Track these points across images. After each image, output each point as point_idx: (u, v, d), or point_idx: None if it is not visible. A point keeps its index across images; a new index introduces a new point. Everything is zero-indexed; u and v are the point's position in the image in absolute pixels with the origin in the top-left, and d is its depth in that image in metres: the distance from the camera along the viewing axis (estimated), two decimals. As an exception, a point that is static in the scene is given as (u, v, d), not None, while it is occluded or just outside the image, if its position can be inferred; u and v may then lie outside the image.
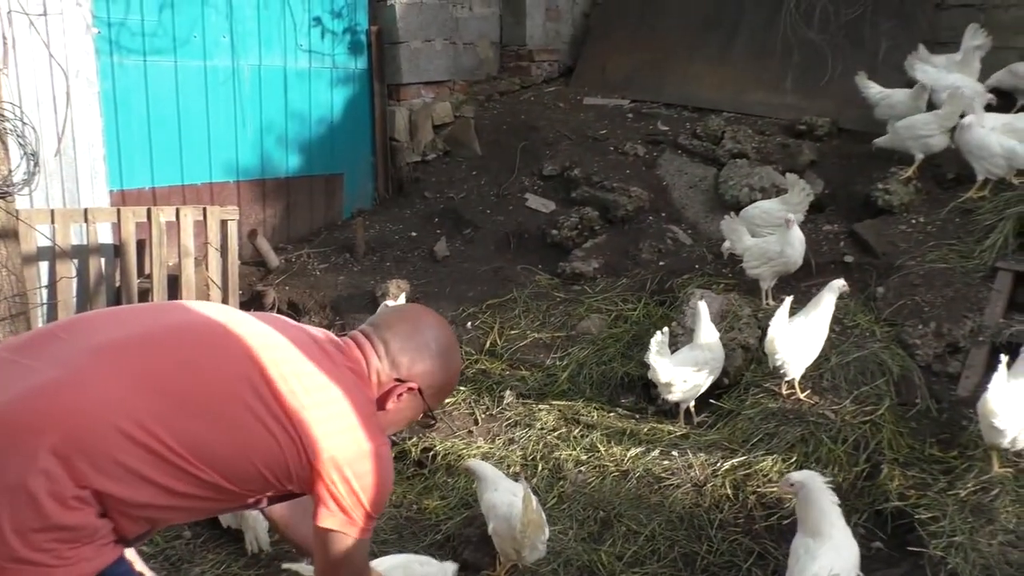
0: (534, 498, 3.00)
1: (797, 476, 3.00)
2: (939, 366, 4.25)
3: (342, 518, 1.75)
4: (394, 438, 4.26)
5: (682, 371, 4.11)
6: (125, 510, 1.54)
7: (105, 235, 5.23)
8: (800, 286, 4.91)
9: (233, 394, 1.64)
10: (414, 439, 4.26)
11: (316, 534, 1.80)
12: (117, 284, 5.26)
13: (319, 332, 1.92)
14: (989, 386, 3.22)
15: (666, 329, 4.23)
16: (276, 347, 1.74)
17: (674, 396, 4.18)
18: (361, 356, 1.89)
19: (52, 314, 4.82)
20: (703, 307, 4.25)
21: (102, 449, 1.49)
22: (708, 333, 4.21)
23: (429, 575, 2.76)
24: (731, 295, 4.86)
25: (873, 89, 5.76)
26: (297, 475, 1.72)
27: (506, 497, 3.09)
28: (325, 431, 1.71)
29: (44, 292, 4.79)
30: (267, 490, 1.75)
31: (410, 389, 1.91)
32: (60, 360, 1.58)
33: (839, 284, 4.07)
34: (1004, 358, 3.29)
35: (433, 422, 2.01)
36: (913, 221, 5.16)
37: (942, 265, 4.68)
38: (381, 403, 1.91)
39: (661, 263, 5.66)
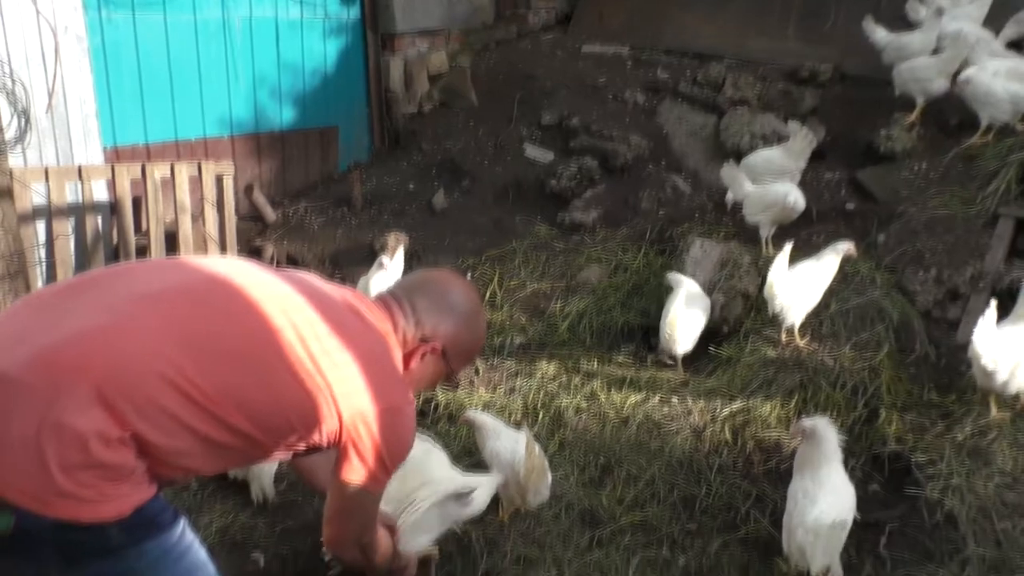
0: (536, 446, 3.03)
1: (809, 422, 3.01)
2: (939, 312, 4.26)
3: (363, 472, 1.80)
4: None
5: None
6: (161, 456, 1.56)
7: (100, 193, 5.20)
8: (800, 234, 4.90)
9: (270, 347, 1.66)
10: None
11: (335, 484, 1.85)
12: (115, 242, 5.24)
13: (347, 290, 1.94)
14: (975, 329, 3.24)
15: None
16: (308, 304, 1.76)
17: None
18: (388, 316, 1.92)
19: (51, 273, 4.82)
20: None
21: (144, 394, 1.51)
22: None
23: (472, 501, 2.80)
24: (731, 243, 4.85)
25: (880, 33, 5.67)
26: (325, 429, 1.75)
27: (508, 444, 3.12)
28: (354, 387, 1.74)
29: (42, 251, 4.78)
30: (295, 443, 1.77)
31: (433, 349, 1.94)
32: (103, 306, 1.59)
33: (844, 247, 4.00)
34: (993, 302, 3.31)
35: (458, 383, 2.05)
36: (915, 168, 5.13)
37: (944, 212, 4.66)
38: (405, 362, 1.94)
39: (661, 212, 5.63)
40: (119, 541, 1.48)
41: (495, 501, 3.27)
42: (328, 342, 1.73)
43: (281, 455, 1.84)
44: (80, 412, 1.44)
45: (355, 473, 1.81)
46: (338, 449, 1.82)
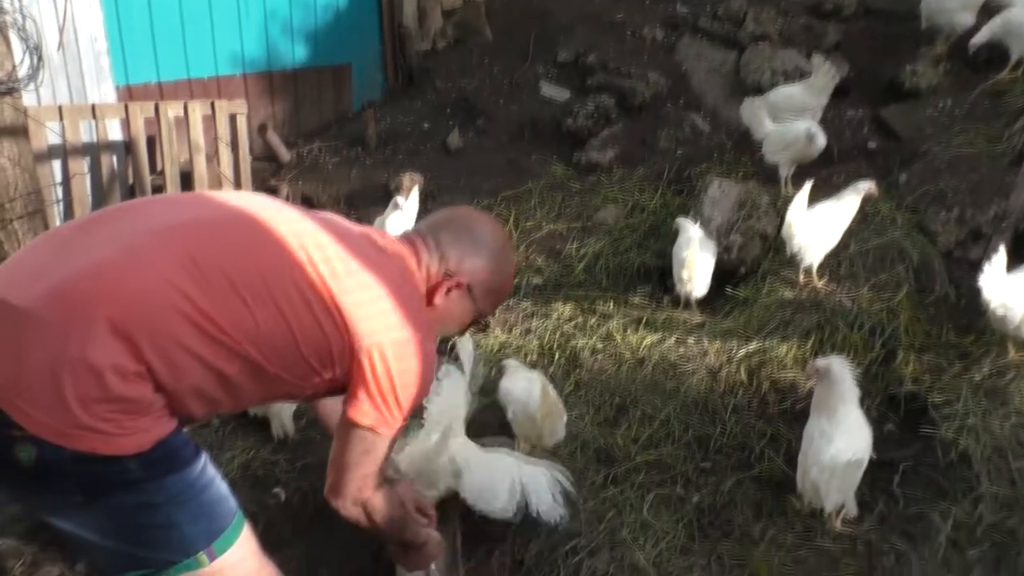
0: (551, 388, 3.05)
1: (823, 362, 3.01)
2: (960, 253, 4.21)
3: (376, 414, 1.74)
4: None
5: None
6: (177, 391, 1.56)
7: (115, 132, 5.18)
8: (820, 173, 4.82)
9: (285, 281, 1.63)
10: (432, 330, 4.31)
11: (341, 425, 1.79)
12: (130, 182, 5.24)
13: (368, 227, 1.91)
14: (983, 275, 3.21)
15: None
16: (328, 237, 1.72)
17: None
18: (412, 250, 1.87)
19: (68, 211, 4.84)
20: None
21: (159, 327, 1.51)
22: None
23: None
24: (750, 183, 4.79)
25: (907, -38, 5.49)
26: (340, 365, 1.70)
27: (522, 383, 3.14)
28: (371, 318, 1.69)
29: (58, 190, 4.78)
30: (310, 378, 1.73)
31: (458, 284, 1.88)
32: (119, 240, 1.58)
33: (865, 187, 3.91)
34: (1002, 247, 3.30)
35: (487, 326, 1.96)
36: (940, 105, 5.01)
37: (968, 150, 4.57)
38: (429, 298, 1.88)
39: (679, 152, 5.56)
40: (139, 474, 1.49)
41: (511, 441, 3.33)
42: (347, 276, 1.69)
43: (297, 393, 1.80)
44: (96, 346, 1.45)
45: (364, 415, 1.74)
46: (351, 385, 1.75)
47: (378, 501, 1.93)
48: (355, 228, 1.86)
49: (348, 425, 1.76)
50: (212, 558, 1.58)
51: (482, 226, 1.96)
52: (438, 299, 1.87)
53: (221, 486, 1.65)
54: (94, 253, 1.56)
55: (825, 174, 4.82)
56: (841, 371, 2.94)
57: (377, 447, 1.80)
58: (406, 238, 1.91)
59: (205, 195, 1.80)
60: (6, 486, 1.55)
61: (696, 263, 4.10)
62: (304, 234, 1.71)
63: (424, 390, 1.81)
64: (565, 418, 3.15)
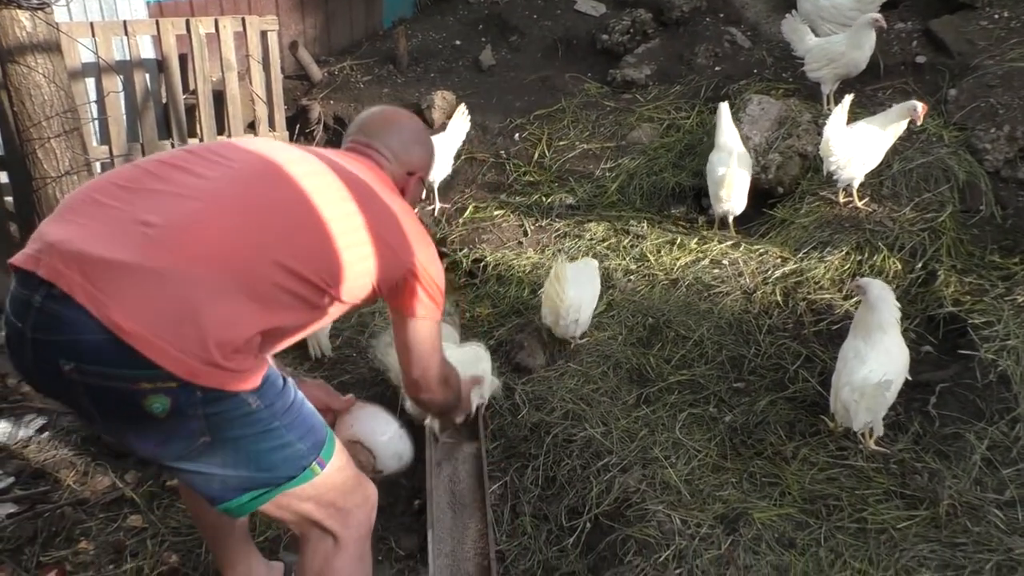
0: (566, 269, 3.26)
1: (865, 281, 2.97)
2: (1008, 172, 4.07)
3: (432, 307, 2.02)
4: (445, 250, 4.32)
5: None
6: (281, 330, 1.72)
7: (147, 50, 5.14)
8: (865, 90, 4.67)
9: (357, 224, 1.83)
10: (465, 250, 4.31)
11: (410, 326, 2.04)
12: (164, 101, 5.23)
13: (349, 159, 2.05)
14: None
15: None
16: (354, 179, 1.91)
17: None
18: (375, 165, 2.10)
19: (104, 130, 4.85)
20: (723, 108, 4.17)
21: (263, 275, 1.64)
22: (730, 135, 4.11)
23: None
24: (790, 100, 4.65)
25: None
26: (396, 283, 1.96)
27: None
28: (415, 240, 1.97)
29: (94, 108, 4.78)
30: (367, 302, 1.99)
31: (420, 179, 2.23)
32: (208, 189, 1.69)
33: (912, 107, 3.71)
34: None
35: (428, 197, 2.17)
36: (996, 16, 4.78)
37: (1023, 64, 4.37)
38: (401, 196, 2.14)
39: (717, 68, 5.39)
40: (256, 405, 1.62)
41: (541, 361, 3.36)
42: (383, 207, 1.93)
43: (347, 310, 1.98)
44: (225, 293, 1.57)
45: (426, 309, 2.01)
46: (399, 296, 1.99)
47: (451, 371, 2.30)
48: (339, 160, 1.99)
49: (415, 324, 2.03)
50: (322, 467, 1.74)
51: (408, 120, 2.27)
52: (407, 195, 2.19)
53: (307, 402, 1.80)
54: (182, 206, 1.63)
55: (870, 91, 4.67)
56: (880, 295, 2.90)
57: (437, 332, 2.11)
58: (360, 152, 2.12)
59: (241, 146, 1.89)
60: (137, 442, 1.64)
61: (734, 181, 4.01)
62: (333, 176, 1.88)
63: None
64: (571, 305, 3.27)
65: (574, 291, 3.30)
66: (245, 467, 1.66)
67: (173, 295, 1.52)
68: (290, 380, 1.76)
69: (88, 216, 1.62)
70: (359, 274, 1.84)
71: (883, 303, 2.88)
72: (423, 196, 2.37)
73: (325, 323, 1.97)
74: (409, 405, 2.84)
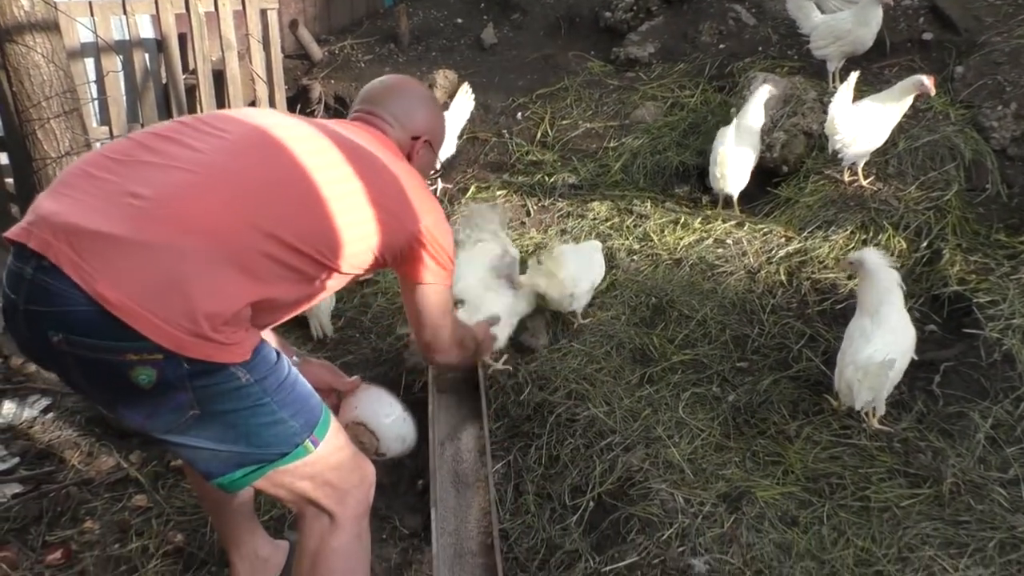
0: (555, 252, 3.26)
1: (856, 254, 2.97)
2: (1015, 150, 4.04)
3: (440, 272, 2.03)
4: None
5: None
6: (272, 303, 1.70)
7: (146, 29, 5.11)
8: (871, 67, 4.63)
9: (356, 191, 1.81)
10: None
11: (420, 292, 2.05)
12: (163, 81, 5.20)
13: (346, 127, 2.02)
14: None
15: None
16: (355, 147, 1.89)
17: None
18: (380, 133, 2.07)
19: (104, 111, 4.83)
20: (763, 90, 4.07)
21: (254, 247, 1.62)
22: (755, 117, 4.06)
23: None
24: (796, 78, 4.61)
25: None
26: (401, 250, 1.94)
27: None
28: (419, 205, 1.94)
29: (93, 88, 4.76)
30: (372, 270, 1.99)
31: (426, 142, 2.17)
32: (199, 160, 1.67)
33: (919, 82, 3.67)
34: None
35: (440, 173, 2.16)
36: (1004, -9, 4.73)
37: (1031, 40, 4.33)
38: (408, 162, 2.11)
39: (722, 46, 5.35)
40: (246, 379, 1.60)
41: (543, 341, 3.35)
42: (387, 171, 1.91)
43: (350, 280, 1.97)
44: (215, 264, 1.56)
45: (434, 275, 2.02)
46: (405, 263, 1.99)
47: (466, 332, 2.35)
48: (340, 129, 1.96)
49: (423, 290, 2.04)
50: (316, 445, 1.73)
51: (412, 86, 2.25)
52: (414, 161, 2.14)
53: (302, 378, 1.78)
54: (177, 176, 1.62)
55: (876, 68, 4.63)
56: (876, 263, 2.89)
57: (448, 297, 2.13)
58: (363, 121, 2.09)
59: (248, 113, 1.89)
60: (126, 413, 1.64)
61: (729, 159, 3.96)
62: (333, 144, 1.85)
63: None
64: (571, 282, 3.27)
65: (572, 267, 3.30)
66: (236, 442, 1.65)
67: (160, 267, 1.52)
68: (284, 356, 1.74)
69: (80, 189, 1.61)
70: (358, 243, 1.83)
71: (880, 272, 2.88)
72: (436, 166, 2.34)
73: (325, 295, 1.95)
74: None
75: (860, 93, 3.96)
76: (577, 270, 3.30)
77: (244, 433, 1.65)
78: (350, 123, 2.07)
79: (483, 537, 2.54)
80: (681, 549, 2.39)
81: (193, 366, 1.53)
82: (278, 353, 1.72)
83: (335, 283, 1.89)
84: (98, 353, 1.52)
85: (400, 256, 1.96)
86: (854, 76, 3.84)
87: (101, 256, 1.50)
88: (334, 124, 2.00)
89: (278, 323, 1.88)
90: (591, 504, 2.64)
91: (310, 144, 1.82)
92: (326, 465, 1.77)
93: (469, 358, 2.53)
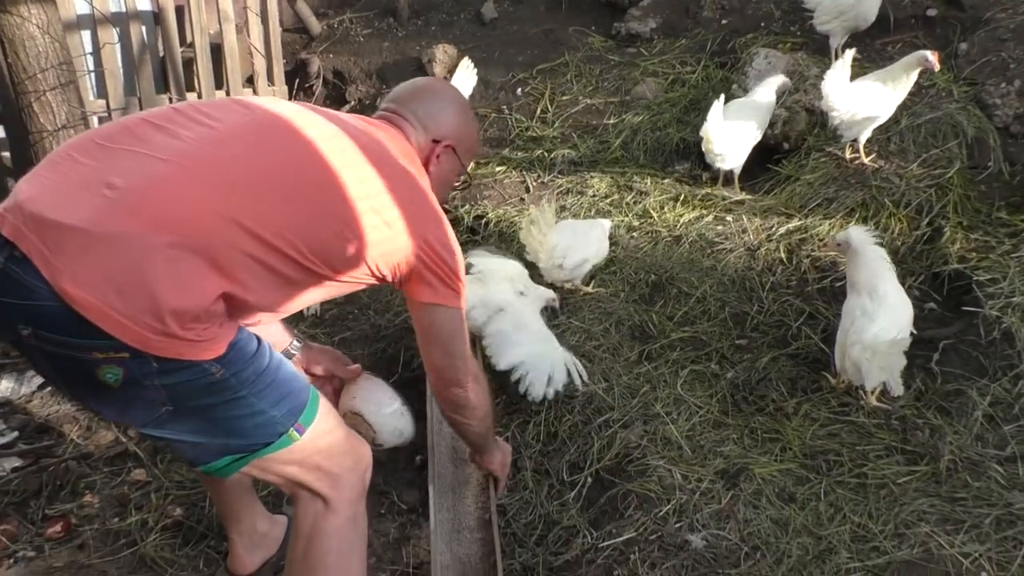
0: (548, 215, 3.31)
1: (842, 233, 2.96)
2: (1018, 127, 4.01)
3: (448, 291, 1.88)
4: (447, 207, 4.28)
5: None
6: (248, 301, 1.62)
7: (143, 1, 5.06)
8: (875, 43, 4.59)
9: (348, 193, 1.70)
10: (467, 207, 4.27)
11: (430, 313, 1.90)
12: (161, 54, 5.15)
13: (365, 121, 1.95)
14: None
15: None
16: (360, 142, 1.79)
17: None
18: (400, 133, 1.96)
19: (100, 83, 4.79)
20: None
21: (229, 242, 1.56)
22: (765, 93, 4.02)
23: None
24: (798, 54, 4.57)
25: None
26: (399, 264, 1.82)
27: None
28: (418, 213, 1.82)
29: (90, 60, 4.71)
30: (369, 282, 1.86)
31: (447, 147, 2.01)
32: (174, 151, 1.60)
33: (922, 59, 3.61)
34: None
35: (469, 181, 2.06)
36: (1009, -33, 4.67)
37: (1036, 17, 4.29)
38: (425, 167, 2.00)
39: (724, 21, 5.29)
40: (220, 374, 1.56)
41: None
42: (388, 177, 1.78)
43: (346, 289, 1.88)
44: (182, 261, 1.50)
45: (445, 294, 1.87)
46: (406, 281, 1.87)
47: (481, 372, 2.16)
48: (359, 124, 1.89)
49: (435, 312, 1.90)
50: (301, 432, 1.69)
51: (444, 88, 2.14)
52: (432, 167, 2.01)
53: (288, 365, 1.74)
54: (154, 166, 1.56)
55: (879, 44, 4.59)
56: (861, 240, 2.88)
57: (459, 319, 1.94)
58: (387, 121, 1.99)
59: (244, 101, 1.80)
60: (99, 408, 1.64)
61: (713, 136, 3.90)
62: (337, 140, 1.76)
63: (461, 257, 1.95)
64: (552, 247, 3.32)
65: (565, 239, 3.33)
66: (215, 435, 1.63)
67: (126, 263, 1.47)
68: (265, 343, 1.69)
69: (59, 174, 1.57)
70: (345, 249, 1.72)
71: (866, 250, 2.88)
72: (461, 175, 2.17)
73: (314, 301, 1.88)
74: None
75: (863, 70, 3.93)
76: (571, 242, 3.30)
77: (223, 427, 1.62)
78: (371, 120, 1.97)
79: (481, 513, 2.55)
80: (678, 525, 2.40)
81: (162, 364, 1.50)
82: (259, 341, 1.67)
83: (324, 292, 1.81)
84: (64, 349, 1.49)
85: (398, 270, 1.84)
86: (850, 53, 3.80)
87: (67, 250, 1.46)
88: (352, 119, 1.91)
89: (271, 319, 1.83)
90: (589, 480, 2.65)
91: (309, 141, 1.72)
92: (315, 450, 1.74)
93: (485, 423, 2.26)
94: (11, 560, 2.33)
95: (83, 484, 2.64)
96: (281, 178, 1.65)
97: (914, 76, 3.71)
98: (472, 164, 4.66)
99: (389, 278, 1.86)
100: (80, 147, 1.63)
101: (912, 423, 2.79)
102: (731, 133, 3.93)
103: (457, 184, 2.24)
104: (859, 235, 2.94)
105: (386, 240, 1.77)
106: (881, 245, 2.96)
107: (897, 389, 2.84)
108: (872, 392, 2.87)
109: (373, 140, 1.85)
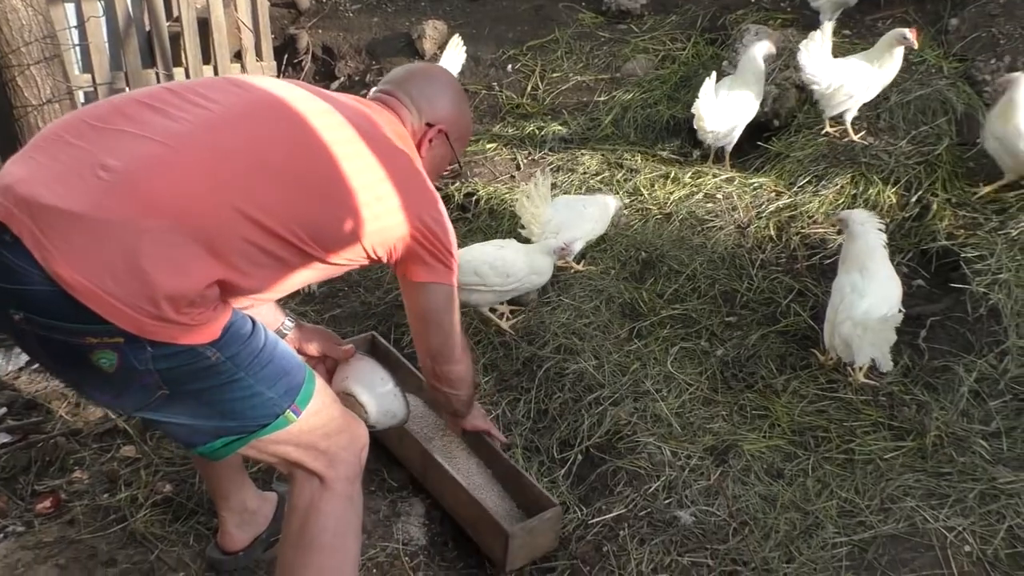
0: (543, 188, 3.34)
1: (845, 213, 2.97)
2: (1007, 104, 4.01)
3: (443, 269, 1.89)
4: (437, 184, 4.26)
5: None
6: (243, 286, 1.61)
7: (127, -26, 4.99)
8: (865, 20, 4.58)
9: (346, 177, 1.69)
10: (457, 184, 4.26)
11: (420, 294, 1.92)
12: (147, 28, 5.09)
13: (359, 101, 1.93)
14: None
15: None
16: (356, 124, 1.78)
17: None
18: (395, 115, 1.96)
19: (86, 57, 4.73)
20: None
21: (226, 226, 1.54)
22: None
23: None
24: (788, 31, 4.56)
25: None
26: (394, 245, 1.82)
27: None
28: (414, 193, 1.82)
29: (74, 34, 4.65)
30: (363, 263, 1.86)
31: (439, 131, 2.01)
32: (170, 134, 1.57)
33: (900, 34, 3.65)
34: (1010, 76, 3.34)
35: (460, 171, 2.05)
36: (1001, -58, 4.66)
37: (1027, -8, 4.28)
38: (418, 150, 2.00)
39: (714, -3, 5.27)
40: (215, 358, 1.55)
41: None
42: (383, 156, 1.78)
43: (340, 270, 1.88)
44: (177, 245, 1.48)
45: (435, 272, 1.88)
46: (401, 260, 1.87)
47: (467, 340, 2.17)
48: (354, 104, 1.88)
49: (429, 290, 1.91)
50: (298, 413, 1.68)
51: (441, 73, 2.14)
52: (424, 150, 2.01)
53: (283, 345, 1.73)
54: (150, 148, 1.53)
55: (870, 21, 4.58)
56: (862, 224, 2.90)
57: (454, 296, 1.97)
58: (382, 102, 1.98)
59: (241, 81, 1.77)
60: (94, 393, 1.61)
61: (705, 113, 3.89)
62: (331, 118, 1.74)
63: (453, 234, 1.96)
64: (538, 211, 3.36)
65: (552, 212, 3.35)
66: (211, 417, 1.62)
67: (120, 246, 1.44)
68: (260, 324, 1.67)
69: (50, 155, 1.53)
70: (343, 233, 1.72)
71: (865, 233, 2.88)
72: (450, 161, 2.16)
73: (319, 279, 1.87)
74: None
75: (853, 46, 3.93)
76: (564, 219, 3.30)
77: (219, 409, 1.61)
78: (367, 102, 1.95)
79: (483, 470, 2.55)
80: (668, 501, 2.42)
81: (157, 348, 1.48)
82: (253, 322, 1.65)
83: (318, 274, 1.80)
84: (57, 334, 1.47)
85: (394, 252, 1.84)
86: (829, 26, 3.79)
87: (60, 233, 1.42)
88: (345, 97, 1.89)
89: (264, 301, 1.81)
90: (579, 457, 2.67)
91: (304, 121, 1.69)
92: (311, 430, 1.73)
93: (469, 391, 2.27)
94: (1, 535, 2.32)
95: (72, 460, 2.63)
96: (279, 162, 1.63)
97: (898, 54, 3.71)
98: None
99: (385, 259, 1.85)
100: (71, 128, 1.59)
101: (899, 399, 2.81)
102: (722, 109, 3.92)
103: (446, 172, 2.23)
104: (860, 218, 2.94)
105: (383, 222, 1.76)
106: (883, 231, 2.95)
107: (886, 365, 2.85)
108: (860, 369, 2.89)
109: (369, 121, 1.83)
